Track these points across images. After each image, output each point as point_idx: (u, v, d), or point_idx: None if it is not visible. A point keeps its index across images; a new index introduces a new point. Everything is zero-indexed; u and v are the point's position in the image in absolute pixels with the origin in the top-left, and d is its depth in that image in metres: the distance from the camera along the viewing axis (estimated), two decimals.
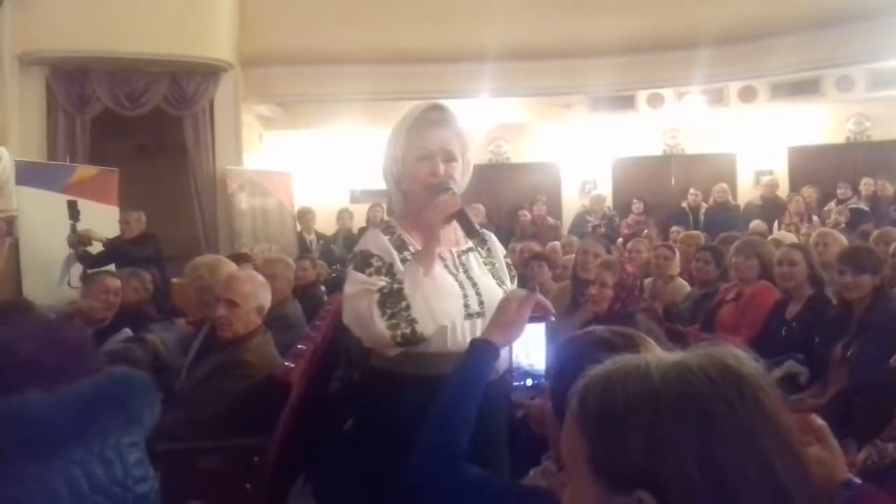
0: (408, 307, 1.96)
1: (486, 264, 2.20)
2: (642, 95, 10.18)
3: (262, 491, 2.87)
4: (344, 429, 3.28)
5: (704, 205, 10.06)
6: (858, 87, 9.50)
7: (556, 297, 4.54)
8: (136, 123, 8.45)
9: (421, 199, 2.11)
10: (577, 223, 9.97)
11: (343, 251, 9.10)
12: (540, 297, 1.79)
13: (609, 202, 10.58)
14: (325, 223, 9.58)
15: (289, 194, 9.36)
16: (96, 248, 6.40)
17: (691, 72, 9.26)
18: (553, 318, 1.80)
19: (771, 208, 9.49)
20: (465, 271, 2.13)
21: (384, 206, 9.02)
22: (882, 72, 9.17)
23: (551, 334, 1.74)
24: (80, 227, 6.30)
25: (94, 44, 7.67)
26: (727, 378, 0.83)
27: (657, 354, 0.89)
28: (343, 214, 9.54)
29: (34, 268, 6.40)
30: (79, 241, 6.28)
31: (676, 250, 6.28)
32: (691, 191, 10.17)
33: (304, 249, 8.76)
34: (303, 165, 9.95)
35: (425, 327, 1.98)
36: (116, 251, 6.36)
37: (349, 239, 9.29)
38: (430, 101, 2.22)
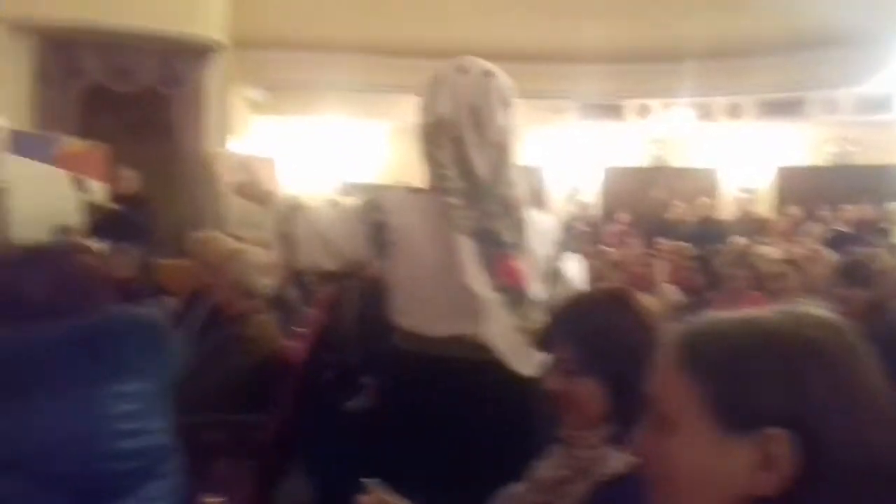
0: None
1: None
2: (631, 105, 10.27)
3: (262, 468, 2.84)
4: (344, 412, 3.26)
5: (687, 218, 10.16)
6: (843, 110, 9.66)
7: None
8: (123, 100, 8.30)
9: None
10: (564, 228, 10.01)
11: None
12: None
13: (595, 209, 10.64)
14: None
15: (275, 181, 9.26)
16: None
17: (679, 84, 9.36)
18: None
19: (753, 225, 9.60)
20: None
21: None
22: (867, 96, 9.34)
23: None
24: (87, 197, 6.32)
25: (85, 13, 7.52)
26: (834, 331, 0.87)
27: (751, 310, 0.91)
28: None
29: (21, 236, 6.27)
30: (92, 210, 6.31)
31: (660, 258, 6.38)
32: (675, 203, 10.26)
33: None
34: (290, 153, 9.87)
35: None
36: (112, 217, 6.37)
37: None
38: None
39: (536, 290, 2.02)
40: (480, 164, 2.07)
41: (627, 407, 1.32)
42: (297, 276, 4.76)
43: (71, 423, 0.99)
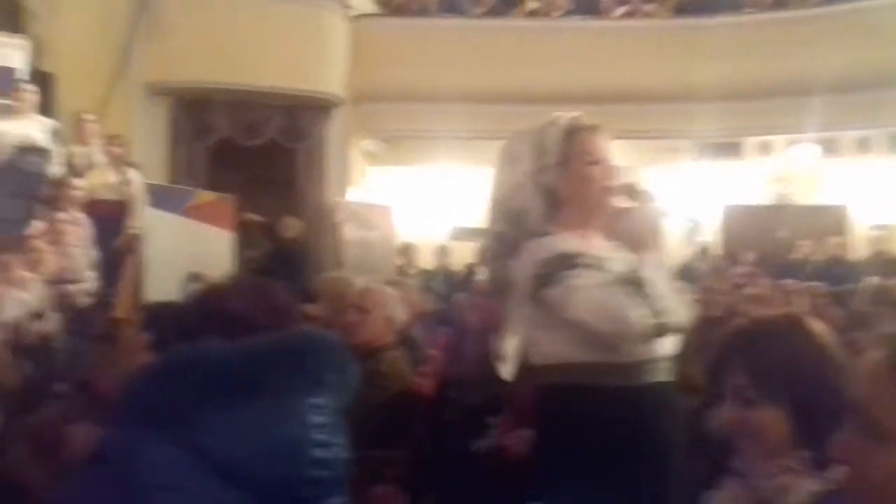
0: (655, 296, 1.92)
1: None
2: (750, 142, 9.96)
3: None
4: (473, 453, 3.22)
5: (814, 258, 9.67)
6: None
7: None
8: (248, 154, 8.70)
9: (588, 203, 2.17)
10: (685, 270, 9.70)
11: (442, 288, 9.09)
12: None
13: (714, 249, 10.29)
14: (423, 259, 9.62)
15: (391, 228, 9.46)
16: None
17: (803, 120, 9.02)
18: None
19: (888, 265, 9.04)
20: None
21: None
22: None
23: None
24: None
25: (217, 75, 8.01)
26: None
27: None
28: (442, 252, 9.56)
29: (154, 286, 6.60)
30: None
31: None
32: (803, 243, 9.79)
33: None
34: (404, 201, 10.05)
35: (678, 315, 1.96)
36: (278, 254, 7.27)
37: (450, 276, 9.28)
38: (567, 113, 2.26)
39: None
40: None
41: (812, 433, 1.28)
42: (421, 317, 4.80)
43: (281, 430, 1.03)
